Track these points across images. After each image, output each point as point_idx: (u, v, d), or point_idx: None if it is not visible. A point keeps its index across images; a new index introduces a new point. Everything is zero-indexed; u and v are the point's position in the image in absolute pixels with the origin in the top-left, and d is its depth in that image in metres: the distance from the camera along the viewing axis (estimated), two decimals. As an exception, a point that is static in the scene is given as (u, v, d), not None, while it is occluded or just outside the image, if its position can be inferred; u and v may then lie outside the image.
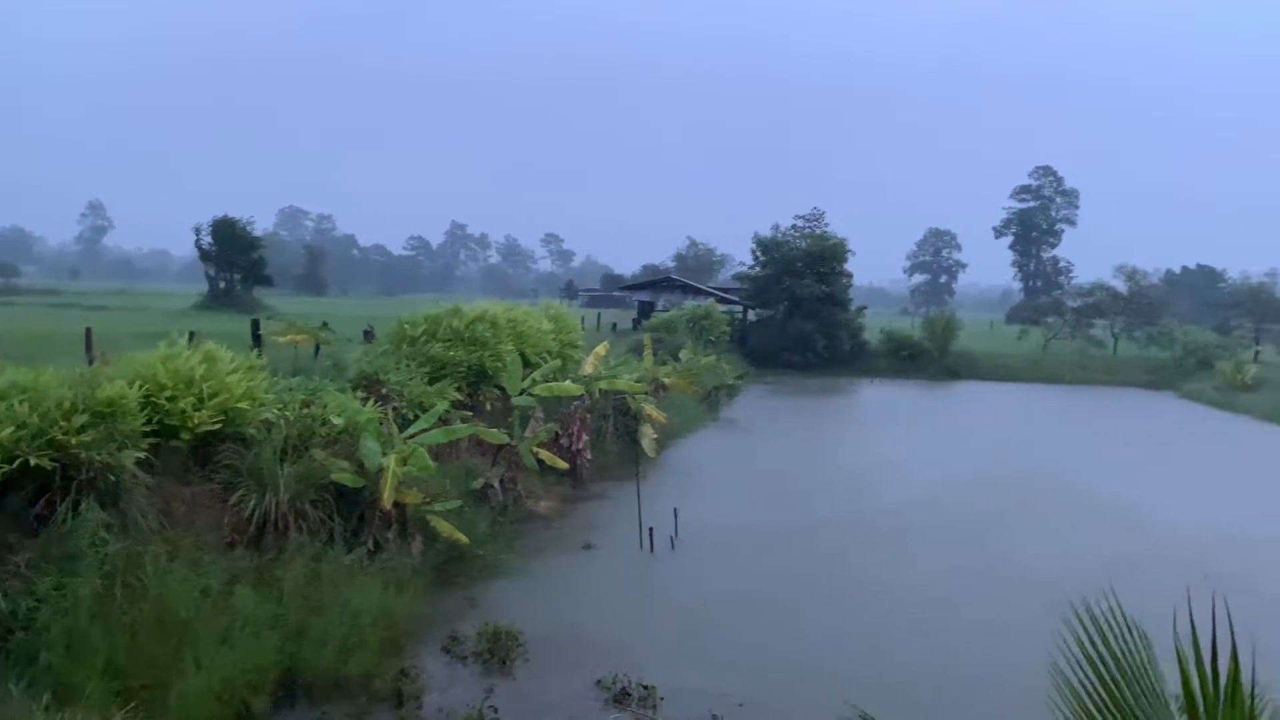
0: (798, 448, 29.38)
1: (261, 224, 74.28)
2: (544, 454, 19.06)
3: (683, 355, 38.05)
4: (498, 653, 11.43)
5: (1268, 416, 38.71)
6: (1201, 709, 2.86)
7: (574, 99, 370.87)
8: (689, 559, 16.30)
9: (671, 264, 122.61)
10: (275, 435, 13.36)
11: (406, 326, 21.04)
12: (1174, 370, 53.82)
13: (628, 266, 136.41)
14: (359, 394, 16.27)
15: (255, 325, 21.46)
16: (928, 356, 55.59)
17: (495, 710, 9.98)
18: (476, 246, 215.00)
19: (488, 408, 21.24)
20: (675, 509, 17.64)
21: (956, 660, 11.93)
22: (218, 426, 12.33)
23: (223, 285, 62.62)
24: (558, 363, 23.01)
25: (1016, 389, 50.24)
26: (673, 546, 16.80)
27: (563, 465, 19.68)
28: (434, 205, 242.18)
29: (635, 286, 76.43)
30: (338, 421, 14.37)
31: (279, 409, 13.92)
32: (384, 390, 17.15)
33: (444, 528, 14.10)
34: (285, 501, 12.48)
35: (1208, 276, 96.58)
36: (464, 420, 17.93)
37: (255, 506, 12.28)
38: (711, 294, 63.51)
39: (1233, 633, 2.83)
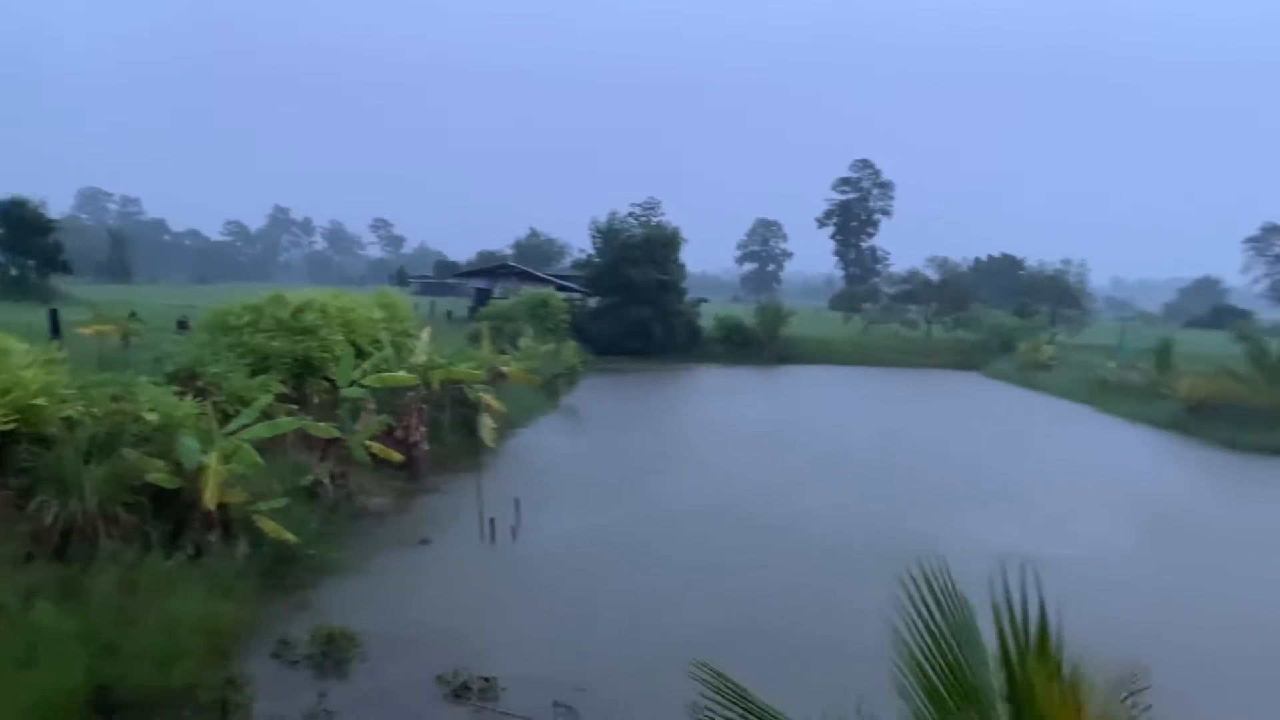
0: (638, 434, 29.76)
1: (57, 206, 68.50)
2: (377, 447, 18.49)
3: (522, 343, 37.79)
4: (332, 655, 11.04)
5: (1061, 393, 42.26)
6: (1015, 660, 3.11)
7: (407, 84, 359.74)
8: (531, 549, 16.24)
9: (510, 252, 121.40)
10: (80, 434, 12.37)
11: (227, 316, 19.91)
12: (981, 352, 57.85)
13: (463, 254, 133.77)
14: (175, 388, 15.29)
15: (54, 315, 19.85)
16: (759, 343, 57.55)
17: (330, 714, 9.65)
18: (300, 232, 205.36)
19: (316, 400, 20.40)
20: (517, 499, 17.52)
21: (799, 629, 12.43)
22: (11, 427, 11.30)
23: (14, 272, 57.46)
24: (390, 352, 22.33)
25: (840, 372, 52.73)
26: (514, 537, 16.69)
27: (398, 458, 19.16)
28: (253, 188, 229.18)
29: (471, 274, 75.19)
30: (152, 418, 13.44)
31: (83, 405, 12.89)
32: (202, 384, 16.19)
33: (271, 528, 13.45)
34: (93, 506, 11.58)
35: (1010, 265, 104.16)
36: (290, 414, 17.15)
37: (58, 513, 11.33)
38: (550, 281, 63.39)
39: (1040, 591, 3.07)
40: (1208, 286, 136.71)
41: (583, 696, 10.32)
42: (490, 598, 13.87)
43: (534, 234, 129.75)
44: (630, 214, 60.74)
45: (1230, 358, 33.47)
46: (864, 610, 10.70)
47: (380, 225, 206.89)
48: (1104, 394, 39.31)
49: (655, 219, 60.68)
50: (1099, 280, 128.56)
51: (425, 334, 24.77)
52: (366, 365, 20.44)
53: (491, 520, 16.64)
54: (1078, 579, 13.84)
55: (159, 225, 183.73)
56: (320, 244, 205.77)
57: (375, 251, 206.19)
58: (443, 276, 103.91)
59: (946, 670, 3.46)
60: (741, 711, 3.74)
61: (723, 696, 3.77)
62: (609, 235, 58.80)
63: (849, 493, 21.21)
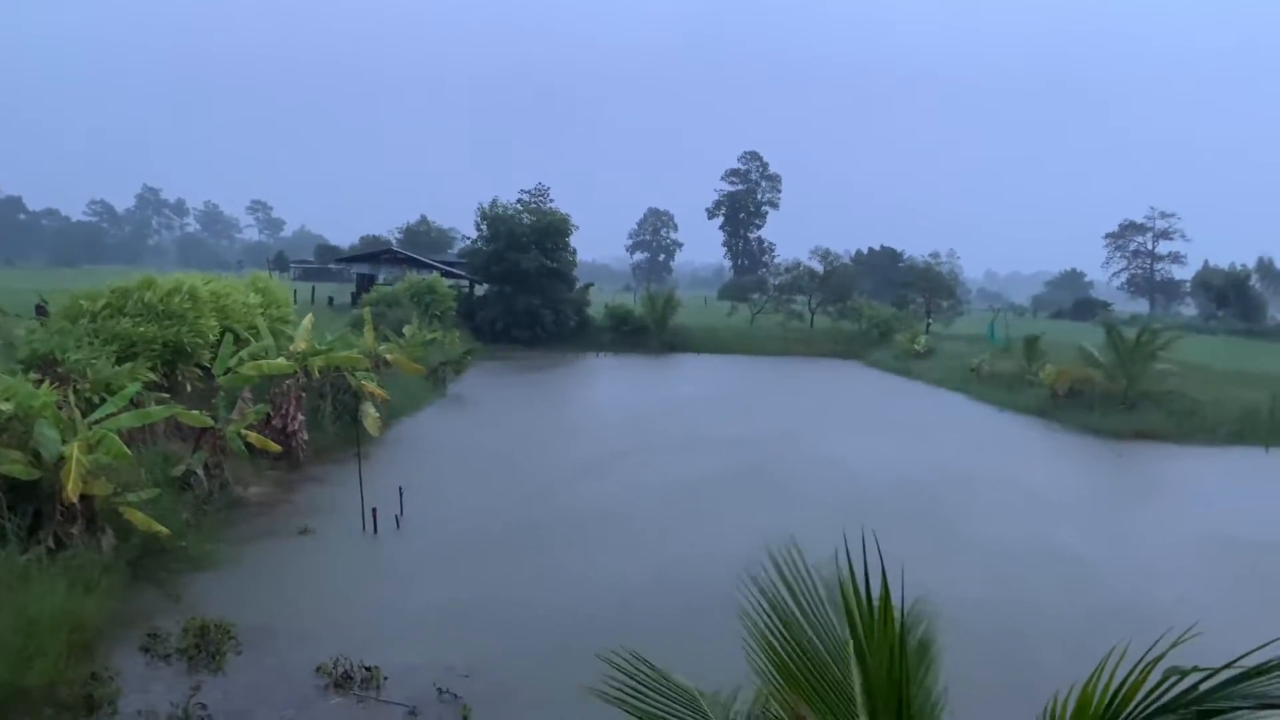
0: (523, 422, 29.64)
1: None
2: (254, 437, 17.93)
3: (406, 330, 37.11)
4: (206, 648, 10.69)
5: (935, 381, 44.03)
6: (860, 628, 3.28)
7: (292, 66, 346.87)
8: (414, 538, 16.05)
9: (398, 237, 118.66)
10: (-77, 425, 11.60)
11: (84, 302, 18.90)
12: (861, 341, 59.71)
13: (346, 238, 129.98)
14: (31, 376, 14.47)
15: (-107, 299, 18.43)
16: (649, 331, 57.97)
17: (204, 707, 9.35)
18: (172, 213, 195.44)
19: (188, 389, 19.67)
20: (400, 488, 17.27)
21: (679, 611, 12.65)
22: None
23: None
24: (268, 339, 21.64)
25: (728, 360, 53.59)
26: (398, 526, 16.46)
27: (276, 448, 18.62)
28: (121, 167, 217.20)
29: (353, 259, 73.09)
30: (5, 407, 12.71)
31: (-72, 395, 12.09)
32: (62, 371, 15.37)
33: (139, 519, 12.91)
34: (-61, 500, 10.89)
35: (889, 257, 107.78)
36: (160, 403, 16.47)
37: (-100, 507, 10.61)
38: (436, 267, 62.25)
39: (881, 559, 3.26)
40: (1072, 279, 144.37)
41: (468, 682, 10.30)
42: (372, 586, 13.66)
43: (424, 221, 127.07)
44: (518, 200, 60.04)
45: (1094, 346, 35.37)
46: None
47: (258, 207, 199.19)
48: (976, 382, 41.15)
49: (545, 206, 60.11)
50: (972, 272, 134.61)
51: (306, 320, 24.07)
52: (243, 353, 19.77)
53: (374, 509, 16.35)
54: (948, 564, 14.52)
55: (13, 203, 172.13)
56: (193, 226, 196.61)
57: (253, 235, 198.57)
58: (324, 261, 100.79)
59: (795, 646, 3.60)
60: (654, 688, 3.81)
61: (634, 678, 3.80)
62: (495, 221, 58.00)
63: (730, 482, 21.63)
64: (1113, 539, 17.95)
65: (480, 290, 60.82)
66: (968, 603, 12.21)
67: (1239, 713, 2.78)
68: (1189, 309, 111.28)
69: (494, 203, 59.27)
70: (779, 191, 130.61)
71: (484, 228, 58.58)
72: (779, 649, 3.60)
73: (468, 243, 65.01)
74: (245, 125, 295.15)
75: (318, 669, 10.37)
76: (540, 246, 56.32)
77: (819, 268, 71.07)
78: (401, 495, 17.05)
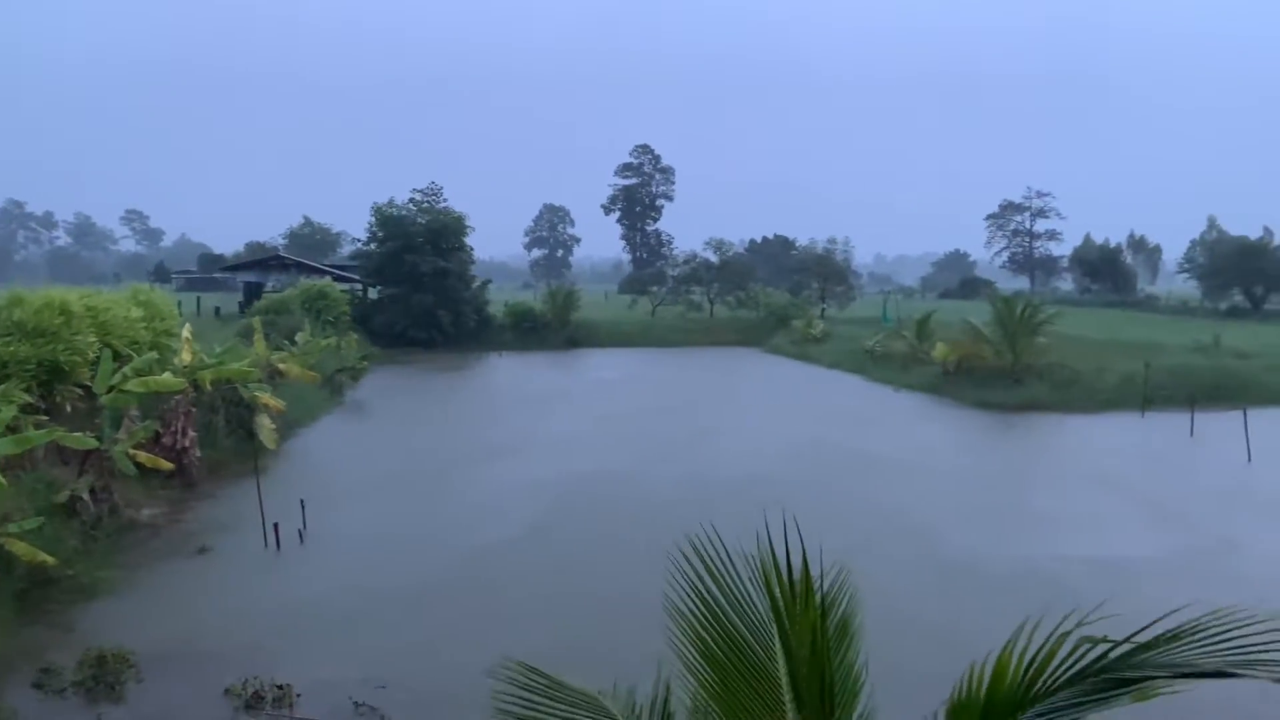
0: (425, 427, 29.18)
1: None
2: (143, 456, 17.15)
3: (299, 338, 36.04)
4: (104, 678, 10.19)
5: (831, 364, 45.12)
6: (783, 609, 3.35)
7: (162, 70, 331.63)
8: (319, 551, 15.63)
9: (283, 242, 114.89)
10: None
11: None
12: (761, 328, 60.69)
13: (230, 245, 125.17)
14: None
15: None
16: (550, 328, 57.70)
17: (105, 743, 8.92)
18: (39, 226, 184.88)
19: (69, 409, 18.67)
20: (301, 500, 16.79)
21: (590, 613, 12.67)
22: None
23: None
24: (152, 354, 20.70)
25: (631, 353, 53.78)
26: (301, 540, 16.00)
27: (167, 466, 17.87)
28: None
29: (239, 267, 70.62)
30: None
31: None
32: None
33: (22, 550, 12.22)
34: None
35: (783, 245, 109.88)
36: (39, 426, 15.60)
37: None
38: (327, 272, 60.64)
39: (802, 540, 3.32)
40: (957, 260, 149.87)
41: (384, 693, 10.10)
42: (278, 603, 13.24)
43: (308, 222, 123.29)
44: (410, 200, 58.79)
45: (980, 323, 36.68)
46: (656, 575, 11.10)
47: (134, 217, 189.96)
48: (872, 363, 42.32)
49: (438, 205, 59.02)
50: (863, 257, 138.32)
51: (185, 330, 23.09)
52: (126, 369, 18.88)
53: (275, 524, 15.86)
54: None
55: None
56: (64, 239, 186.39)
57: (129, 245, 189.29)
58: (208, 271, 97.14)
59: (719, 631, 3.65)
60: (549, 698, 3.79)
61: (529, 689, 3.78)
62: (389, 222, 56.73)
63: (640, 476, 21.77)
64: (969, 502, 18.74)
65: (375, 293, 59.48)
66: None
67: (1164, 685, 2.90)
68: (1066, 284, 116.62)
69: (390, 202, 57.97)
70: (673, 184, 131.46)
71: (376, 229, 57.20)
72: (704, 635, 3.64)
73: (359, 244, 63.35)
74: (114, 133, 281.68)
75: (226, 691, 10.01)
76: (435, 246, 55.35)
77: (715, 258, 71.99)
78: (303, 508, 16.57)
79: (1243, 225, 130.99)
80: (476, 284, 59.27)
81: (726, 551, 3.78)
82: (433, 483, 20.64)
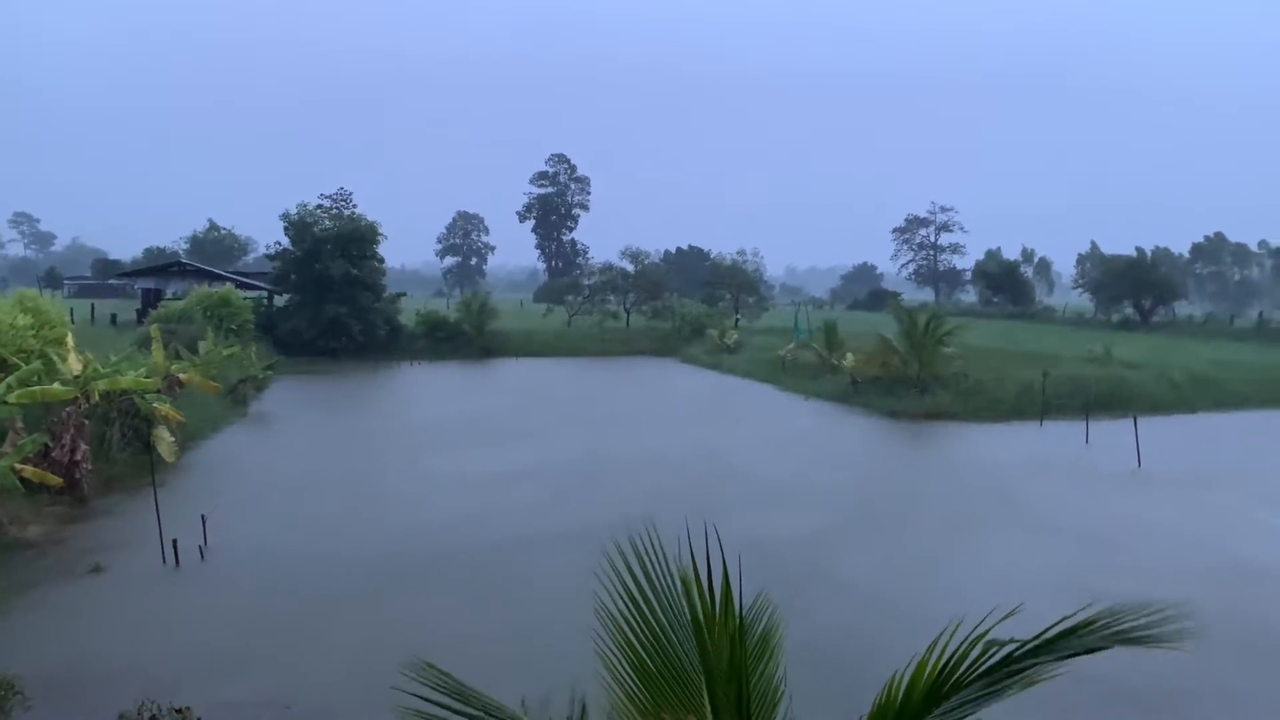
0: (332, 438, 28.47)
1: None
2: (29, 471, 16.30)
3: (201, 348, 34.81)
4: (-16, 709, 9.59)
5: (744, 374, 45.69)
6: (703, 620, 3.34)
7: (58, 70, 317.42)
8: (220, 568, 15.06)
9: (185, 248, 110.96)
10: None
11: None
12: (676, 338, 61.11)
13: (128, 251, 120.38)
14: None
15: None
16: (464, 337, 56.97)
17: (-15, 777, 8.40)
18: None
19: (-51, 422, 17.61)
20: (202, 516, 16.19)
21: (512, 621, 12.51)
22: None
23: None
24: (39, 364, 19.72)
25: (546, 363, 53.50)
26: (202, 557, 15.41)
27: (56, 481, 17.02)
28: None
29: (138, 273, 67.91)
30: None
31: None
32: None
33: (-106, 572, 11.44)
34: None
35: (697, 256, 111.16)
36: (-85, 439, 14.69)
37: None
38: (231, 279, 58.81)
39: (722, 551, 3.32)
40: (865, 272, 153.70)
41: (289, 714, 9.77)
42: (177, 623, 12.70)
43: (213, 227, 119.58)
44: (319, 206, 57.33)
45: (888, 334, 37.59)
46: (571, 588, 11.15)
47: (22, 220, 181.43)
48: (784, 373, 42.98)
49: (347, 211, 57.71)
50: (775, 269, 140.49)
51: (69, 339, 22.03)
52: (11, 379, 17.93)
53: (174, 540, 15.24)
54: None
55: None
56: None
57: (17, 250, 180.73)
58: (104, 277, 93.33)
59: (651, 642, 3.62)
60: (458, 705, 3.71)
61: (439, 692, 3.71)
62: (297, 229, 55.23)
63: (542, 480, 21.64)
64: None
65: (282, 301, 57.86)
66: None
67: (1046, 674, 3.06)
68: (969, 296, 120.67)
69: (302, 207, 56.43)
70: (588, 193, 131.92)
71: (290, 234, 55.60)
72: (634, 645, 3.61)
73: (266, 251, 61.57)
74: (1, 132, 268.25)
75: (121, 716, 9.48)
76: (345, 253, 54.10)
77: (631, 268, 72.25)
78: (204, 523, 15.98)
79: (1122, 245, 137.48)
80: (388, 294, 58.12)
81: (663, 561, 3.76)
82: (338, 496, 20.12)
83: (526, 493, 20.32)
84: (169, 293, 57.86)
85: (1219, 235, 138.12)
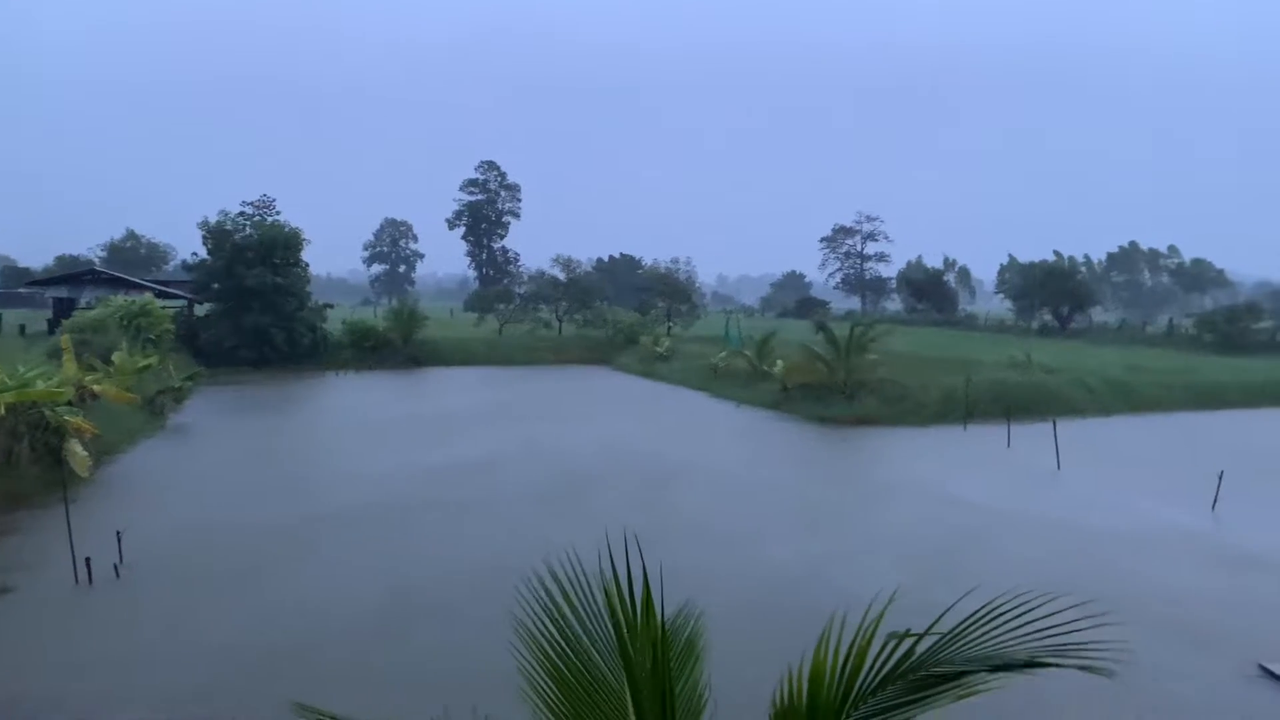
0: (254, 450, 27.71)
1: None
2: (-69, 487, 15.52)
3: (116, 358, 33.62)
4: (-125, 741, 9.09)
5: (677, 382, 45.88)
6: (625, 630, 3.31)
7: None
8: (137, 586, 14.53)
9: (101, 256, 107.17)
10: None
11: None
12: (608, 347, 61.07)
13: (39, 259, 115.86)
14: None
15: None
16: (392, 346, 56.09)
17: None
18: None
19: None
20: (118, 533, 15.61)
21: (418, 641, 12.31)
22: None
23: None
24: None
25: (478, 372, 52.97)
26: (117, 575, 14.84)
27: (-40, 498, 16.23)
28: None
29: (49, 281, 65.30)
30: None
31: None
32: None
33: None
34: None
35: (629, 264, 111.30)
36: None
37: None
38: (149, 287, 56.96)
39: (643, 559, 3.28)
40: (794, 281, 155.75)
41: (207, 736, 9.44)
42: (92, 644, 12.21)
43: (130, 235, 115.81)
44: (241, 213, 55.86)
45: (815, 342, 38.22)
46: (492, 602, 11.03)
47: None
48: (716, 380, 43.27)
49: (270, 218, 56.34)
50: (706, 277, 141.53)
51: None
52: (-90, 391, 17.10)
53: (87, 558, 14.65)
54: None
55: None
56: None
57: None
58: (12, 285, 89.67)
59: (571, 656, 3.57)
60: None
61: None
62: (218, 236, 53.74)
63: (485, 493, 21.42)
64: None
65: (203, 310, 56.25)
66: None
67: (979, 684, 3.04)
68: (895, 304, 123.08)
69: (223, 214, 54.93)
70: (519, 201, 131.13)
71: (209, 243, 54.06)
72: (554, 659, 3.56)
73: (186, 259, 59.74)
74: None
75: (25, 746, 9.11)
76: (268, 261, 52.83)
77: (562, 275, 72.05)
78: (120, 540, 15.42)
79: (1041, 253, 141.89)
80: (313, 302, 56.90)
81: (582, 574, 3.72)
82: (260, 509, 19.60)
83: (453, 505, 20.06)
84: (82, 302, 55.81)
85: (1133, 244, 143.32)
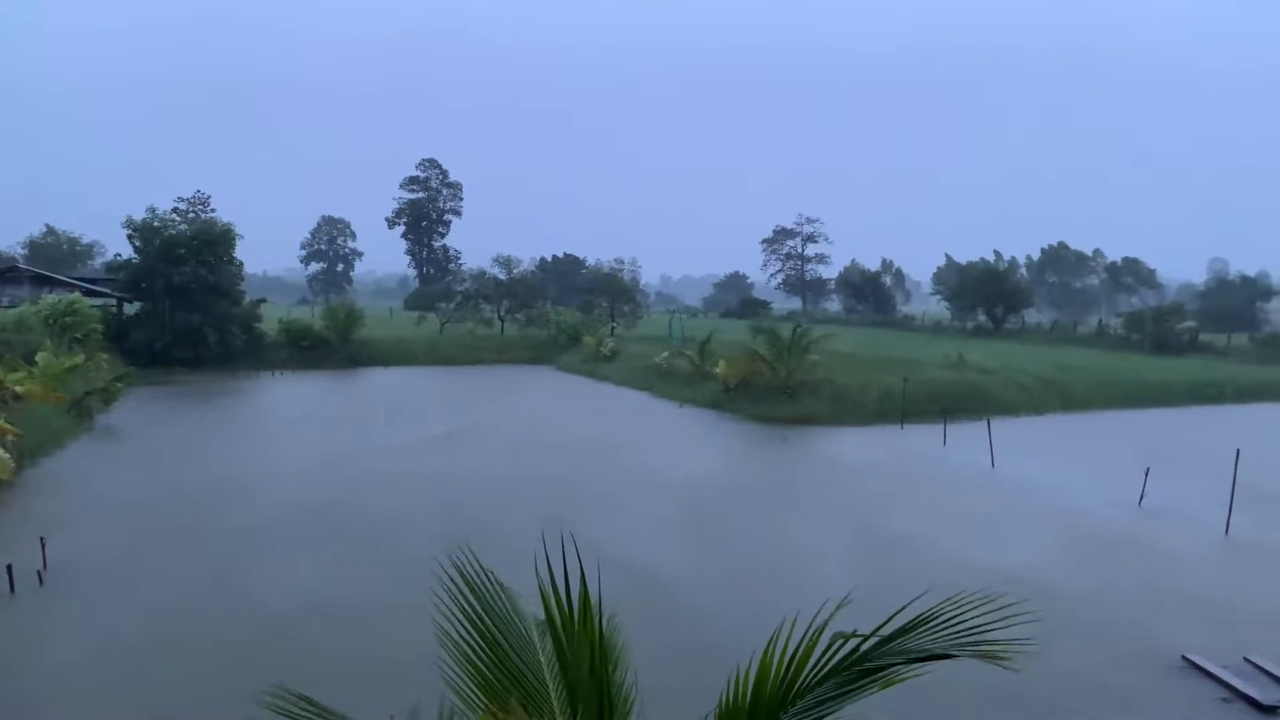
0: (185, 452, 27.03)
1: None
2: None
3: (40, 358, 32.48)
4: None
5: (621, 382, 45.86)
6: (561, 629, 3.28)
7: None
8: (61, 594, 14.07)
9: (22, 253, 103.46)
10: None
11: None
12: (552, 346, 60.77)
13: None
14: None
15: None
16: (330, 346, 55.12)
17: None
18: None
19: None
20: (42, 538, 15.10)
21: (359, 642, 12.13)
22: None
23: None
24: None
25: (417, 372, 52.33)
26: (41, 582, 14.35)
27: None
28: None
29: (-33, 279, 62.92)
30: None
31: None
32: None
33: None
34: None
35: (572, 264, 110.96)
36: None
37: None
38: (76, 285, 55.16)
39: (580, 560, 3.26)
40: (736, 281, 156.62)
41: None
42: (16, 653, 11.79)
43: (50, 231, 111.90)
44: (175, 209, 54.37)
45: (757, 343, 38.52)
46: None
47: None
48: (659, 380, 43.36)
49: (205, 215, 54.92)
50: (650, 277, 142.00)
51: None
52: None
53: (9, 565, 14.14)
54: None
55: None
56: None
57: None
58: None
59: (491, 656, 3.53)
60: None
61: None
62: (149, 233, 52.16)
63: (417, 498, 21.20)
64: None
65: (132, 309, 54.62)
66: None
67: (905, 673, 3.13)
68: (835, 304, 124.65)
69: (151, 211, 53.33)
70: (461, 199, 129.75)
71: (135, 240, 52.48)
72: (478, 662, 3.52)
73: (115, 257, 57.80)
74: None
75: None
76: (200, 259, 51.43)
77: (503, 275, 71.50)
78: (44, 546, 14.91)
79: (977, 253, 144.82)
80: (247, 300, 55.62)
81: (494, 577, 3.69)
82: (189, 513, 19.13)
83: (388, 506, 19.81)
84: (3, 300, 53.87)
85: (1062, 244, 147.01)
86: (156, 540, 17.01)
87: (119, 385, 35.41)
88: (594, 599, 3.28)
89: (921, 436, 29.95)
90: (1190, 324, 66.85)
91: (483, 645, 3.51)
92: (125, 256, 53.91)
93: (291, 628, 12.68)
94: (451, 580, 3.61)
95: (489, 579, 3.63)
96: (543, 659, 3.50)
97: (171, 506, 19.67)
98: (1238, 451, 19.06)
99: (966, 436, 28.91)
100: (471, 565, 3.63)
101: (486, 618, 3.55)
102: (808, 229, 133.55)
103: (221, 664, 11.39)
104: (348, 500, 20.24)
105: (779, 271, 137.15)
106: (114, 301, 55.04)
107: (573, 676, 3.25)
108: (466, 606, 3.56)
